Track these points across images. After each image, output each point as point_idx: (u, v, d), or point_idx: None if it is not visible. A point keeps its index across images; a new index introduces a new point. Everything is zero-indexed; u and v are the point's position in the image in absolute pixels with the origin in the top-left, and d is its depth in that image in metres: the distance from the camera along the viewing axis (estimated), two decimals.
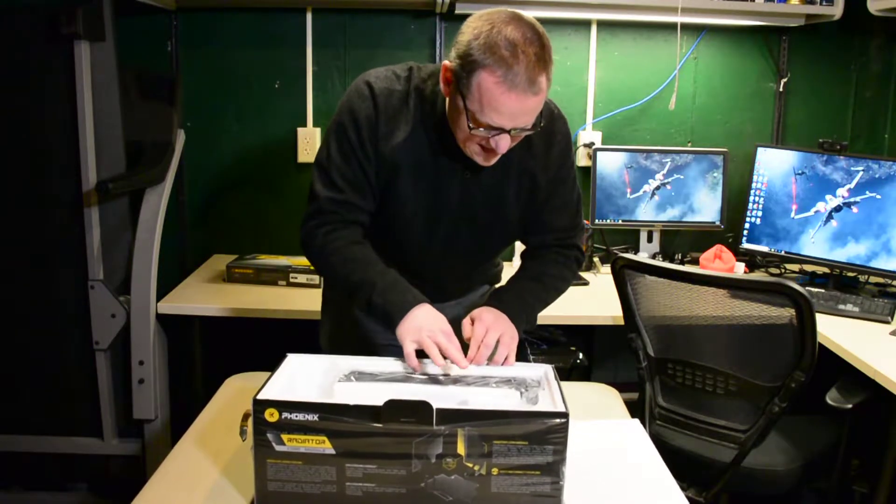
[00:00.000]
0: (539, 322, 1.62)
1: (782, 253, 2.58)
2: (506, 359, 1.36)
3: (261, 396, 1.12)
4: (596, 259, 2.73)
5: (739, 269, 2.66)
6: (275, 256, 2.58)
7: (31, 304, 2.36)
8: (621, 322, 1.98)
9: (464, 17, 2.60)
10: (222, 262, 2.62)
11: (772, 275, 2.68)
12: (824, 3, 2.57)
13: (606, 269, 2.58)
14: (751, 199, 2.63)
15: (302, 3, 2.70)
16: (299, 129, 2.76)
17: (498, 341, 1.37)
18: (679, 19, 2.53)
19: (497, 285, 1.78)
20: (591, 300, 2.40)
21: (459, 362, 1.29)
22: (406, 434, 1.09)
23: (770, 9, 2.60)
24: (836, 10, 2.56)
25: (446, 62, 1.32)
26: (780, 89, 2.86)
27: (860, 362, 1.87)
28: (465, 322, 1.42)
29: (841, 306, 2.24)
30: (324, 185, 1.45)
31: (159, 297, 2.35)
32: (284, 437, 1.10)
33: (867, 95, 2.90)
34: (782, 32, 2.80)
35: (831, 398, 1.84)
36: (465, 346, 1.37)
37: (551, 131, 1.49)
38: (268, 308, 2.28)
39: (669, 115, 2.82)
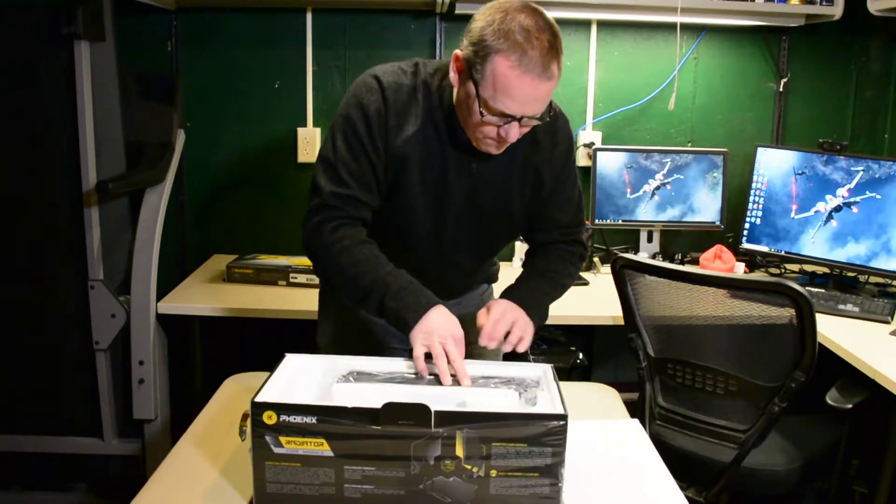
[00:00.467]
0: None
1: (782, 253, 2.58)
2: (520, 340, 1.40)
3: (259, 399, 1.12)
4: (596, 259, 2.72)
5: (739, 269, 2.65)
6: (275, 256, 2.58)
7: (31, 304, 2.36)
8: (621, 322, 1.98)
9: (464, 17, 2.65)
10: (222, 262, 2.62)
11: (772, 275, 2.67)
12: (824, 3, 2.57)
13: (606, 269, 2.58)
14: (751, 199, 2.63)
15: (302, 3, 2.70)
16: (299, 129, 2.76)
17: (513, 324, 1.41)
18: (679, 19, 2.53)
19: (493, 284, 1.80)
20: (591, 300, 2.40)
21: (463, 379, 1.29)
22: (404, 436, 1.09)
23: (770, 9, 2.60)
24: (836, 10, 2.56)
25: (457, 51, 1.34)
26: (780, 89, 2.85)
27: (860, 362, 1.87)
28: (481, 312, 1.44)
29: (841, 306, 2.24)
30: (329, 180, 1.42)
31: (159, 297, 2.35)
32: (283, 439, 1.10)
33: (867, 95, 2.89)
34: (782, 32, 2.80)
35: (831, 398, 1.84)
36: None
37: (555, 129, 1.51)
38: (267, 308, 2.28)
39: (669, 115, 2.82)
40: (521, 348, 1.42)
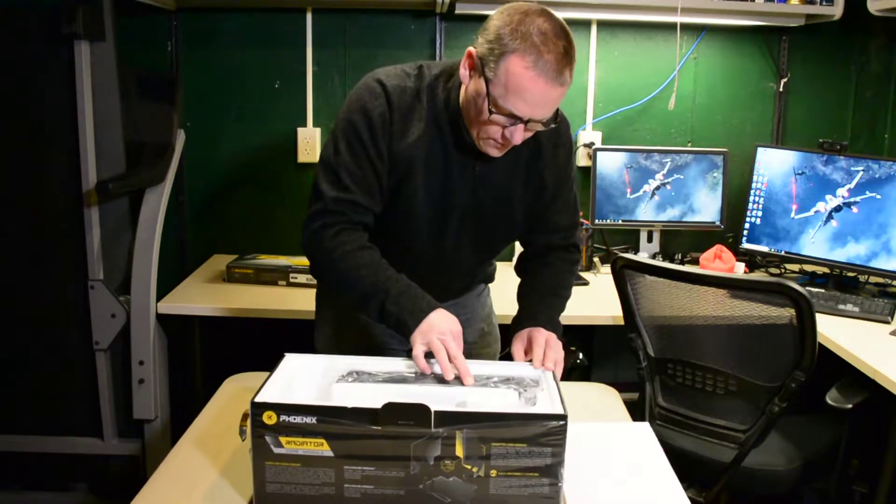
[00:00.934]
0: None
1: (782, 253, 2.58)
2: (555, 363, 1.39)
3: (258, 399, 1.12)
4: (596, 259, 2.72)
5: (739, 269, 2.65)
6: (275, 256, 2.58)
7: (31, 304, 2.36)
8: (621, 322, 1.98)
9: (464, 17, 2.65)
10: (222, 262, 2.62)
11: (772, 275, 2.67)
12: (824, 3, 2.57)
13: (606, 269, 2.58)
14: (751, 199, 2.63)
15: (302, 3, 2.70)
16: (299, 129, 2.76)
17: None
18: (679, 19, 2.53)
19: (490, 284, 1.82)
20: (591, 300, 2.40)
21: (465, 378, 1.29)
22: (404, 436, 1.09)
23: (770, 9, 2.60)
24: (836, 10, 2.56)
25: (471, 48, 1.34)
26: (780, 89, 2.85)
27: (860, 362, 1.87)
28: (518, 348, 1.45)
29: (841, 306, 2.24)
30: (331, 185, 1.41)
31: (159, 297, 2.35)
32: (283, 439, 1.10)
33: (867, 95, 2.89)
34: (782, 32, 2.80)
35: (831, 398, 1.84)
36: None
37: (558, 132, 1.51)
38: (267, 308, 2.28)
39: (669, 115, 2.82)
40: (560, 370, 1.41)
